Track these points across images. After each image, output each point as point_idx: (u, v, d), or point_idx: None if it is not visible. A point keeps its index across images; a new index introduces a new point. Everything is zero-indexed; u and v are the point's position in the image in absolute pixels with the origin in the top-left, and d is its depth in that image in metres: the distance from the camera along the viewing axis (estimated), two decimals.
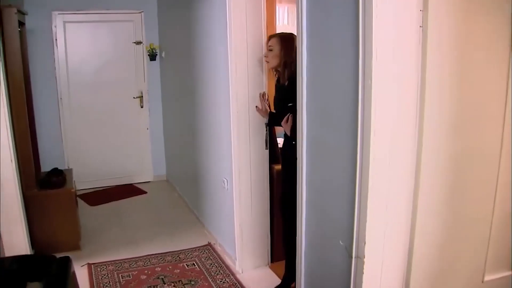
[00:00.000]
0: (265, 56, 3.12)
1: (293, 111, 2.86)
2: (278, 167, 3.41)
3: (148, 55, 5.72)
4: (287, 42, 2.98)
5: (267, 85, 3.35)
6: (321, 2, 2.06)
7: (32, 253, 3.39)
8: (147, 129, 5.94)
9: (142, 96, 5.82)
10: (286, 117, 2.97)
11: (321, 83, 2.13)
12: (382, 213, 1.89)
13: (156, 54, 5.73)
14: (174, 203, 5.25)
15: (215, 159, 3.88)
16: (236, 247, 3.52)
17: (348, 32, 1.84)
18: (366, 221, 1.87)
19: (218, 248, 3.93)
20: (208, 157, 4.08)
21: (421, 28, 1.77)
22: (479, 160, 2.02)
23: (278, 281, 3.31)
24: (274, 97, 3.22)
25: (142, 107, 5.85)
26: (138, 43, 5.67)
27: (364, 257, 1.90)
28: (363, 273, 1.93)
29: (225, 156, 3.58)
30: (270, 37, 3.09)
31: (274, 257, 3.62)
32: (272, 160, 3.50)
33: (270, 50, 3.02)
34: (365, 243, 1.89)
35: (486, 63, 1.92)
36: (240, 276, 3.45)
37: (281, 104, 3.07)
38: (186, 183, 5.05)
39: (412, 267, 2.00)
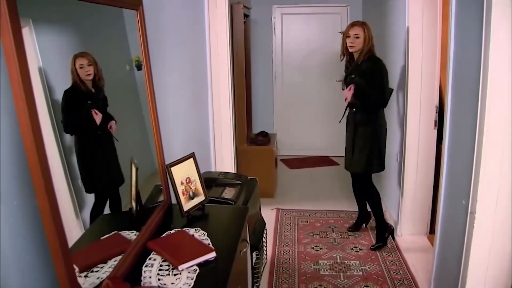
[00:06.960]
0: (351, 43, 3.57)
1: (355, 82, 3.60)
2: None
3: None
4: (368, 29, 3.56)
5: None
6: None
7: None
8: None
9: None
10: (349, 86, 3.58)
11: (463, 66, 2.52)
12: (495, 177, 2.23)
13: None
14: None
15: (391, 136, 4.37)
16: (399, 213, 4.00)
17: (475, 24, 2.23)
18: (479, 182, 2.25)
19: (386, 214, 4.43)
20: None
21: None
22: None
23: (431, 250, 3.66)
24: (347, 73, 3.79)
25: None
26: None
27: (476, 213, 2.29)
28: (473, 226, 2.31)
29: (397, 132, 4.07)
30: (352, 26, 3.59)
31: (433, 229, 3.96)
32: (441, 140, 3.83)
33: (357, 37, 3.53)
34: (477, 200, 2.27)
35: None
36: (397, 238, 3.94)
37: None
38: None
39: None
